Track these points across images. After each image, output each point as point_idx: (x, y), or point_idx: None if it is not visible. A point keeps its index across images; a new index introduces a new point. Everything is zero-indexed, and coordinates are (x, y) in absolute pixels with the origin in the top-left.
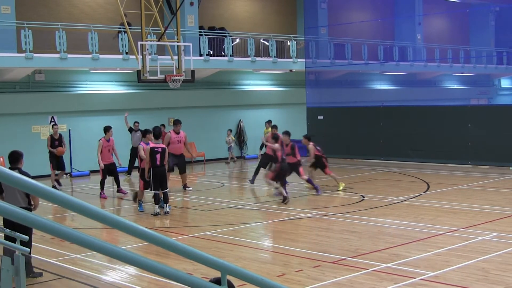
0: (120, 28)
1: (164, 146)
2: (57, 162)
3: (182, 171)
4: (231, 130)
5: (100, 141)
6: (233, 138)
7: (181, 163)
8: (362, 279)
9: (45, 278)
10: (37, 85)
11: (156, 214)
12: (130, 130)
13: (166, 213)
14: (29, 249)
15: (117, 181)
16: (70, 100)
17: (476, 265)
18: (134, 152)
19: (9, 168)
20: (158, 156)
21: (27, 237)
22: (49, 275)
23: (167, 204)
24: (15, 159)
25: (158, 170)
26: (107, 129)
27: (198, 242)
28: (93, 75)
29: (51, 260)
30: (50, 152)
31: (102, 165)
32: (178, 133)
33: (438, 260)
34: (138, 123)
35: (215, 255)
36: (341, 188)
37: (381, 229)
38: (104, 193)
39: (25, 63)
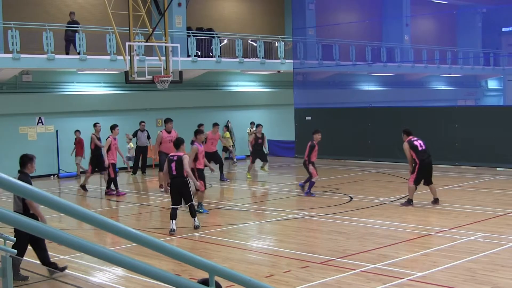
0: (68, 26)
1: (181, 154)
2: (99, 162)
3: None
4: (131, 138)
5: (108, 139)
6: (132, 145)
7: None
8: (350, 279)
9: (33, 280)
10: (24, 85)
11: (172, 231)
12: (136, 132)
13: (196, 227)
14: (16, 251)
15: (109, 182)
16: (57, 101)
17: (464, 265)
18: (140, 151)
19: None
20: (173, 165)
21: (15, 238)
22: (36, 277)
23: (195, 218)
24: (21, 162)
25: (174, 181)
26: (113, 127)
27: (186, 243)
28: (81, 76)
29: (38, 262)
30: (93, 152)
31: (107, 162)
32: (169, 132)
33: (425, 261)
34: (145, 122)
35: (202, 256)
36: None
37: (369, 229)
38: (120, 191)
39: (12, 63)
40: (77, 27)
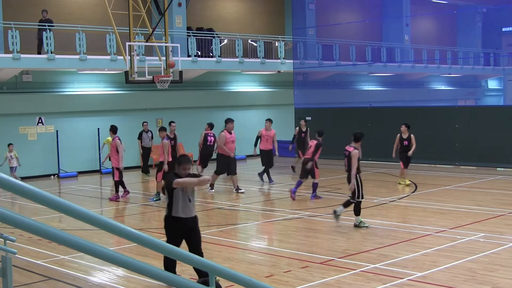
0: (41, 25)
1: (351, 149)
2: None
3: (234, 173)
4: (12, 144)
5: (117, 140)
6: (16, 155)
7: (234, 164)
8: (350, 279)
9: (32, 279)
10: (24, 85)
11: (360, 225)
12: (140, 133)
13: (356, 226)
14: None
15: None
16: (57, 101)
17: (464, 265)
18: (147, 152)
19: None
20: (345, 160)
21: (14, 238)
22: (36, 276)
23: (358, 216)
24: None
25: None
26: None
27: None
28: (81, 76)
29: (38, 262)
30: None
31: (122, 165)
32: (230, 132)
33: (425, 261)
34: (147, 123)
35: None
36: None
37: (369, 229)
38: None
39: (12, 63)
40: (52, 26)
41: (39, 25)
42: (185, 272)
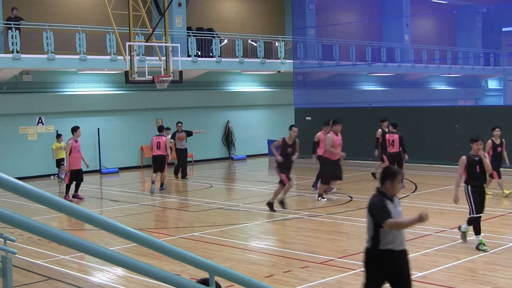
0: (7, 23)
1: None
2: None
3: (341, 178)
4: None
5: (69, 141)
6: None
7: (339, 169)
8: (350, 279)
9: (32, 279)
10: (24, 85)
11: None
12: (174, 134)
13: (479, 248)
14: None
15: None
16: (57, 101)
17: (464, 265)
18: (183, 154)
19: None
20: (477, 167)
21: (14, 238)
22: (36, 276)
23: (477, 236)
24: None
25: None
26: (75, 129)
27: (186, 243)
28: (81, 76)
29: (38, 262)
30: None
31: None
32: (337, 134)
33: (425, 261)
34: (181, 123)
35: (203, 256)
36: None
37: None
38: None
39: (12, 63)
40: (19, 25)
41: (40, 25)
42: (185, 272)
